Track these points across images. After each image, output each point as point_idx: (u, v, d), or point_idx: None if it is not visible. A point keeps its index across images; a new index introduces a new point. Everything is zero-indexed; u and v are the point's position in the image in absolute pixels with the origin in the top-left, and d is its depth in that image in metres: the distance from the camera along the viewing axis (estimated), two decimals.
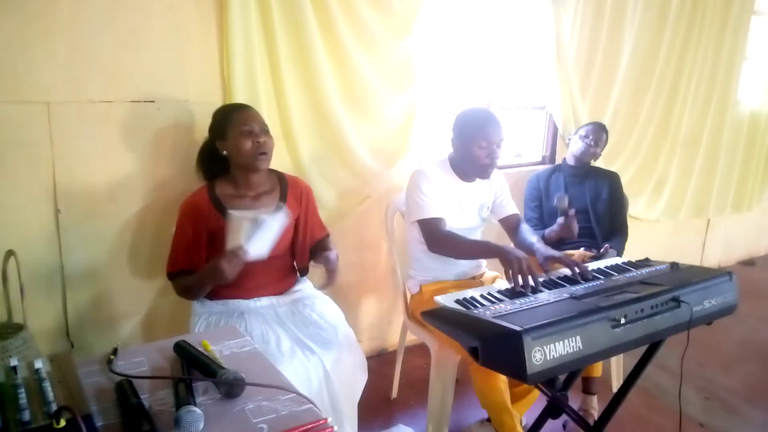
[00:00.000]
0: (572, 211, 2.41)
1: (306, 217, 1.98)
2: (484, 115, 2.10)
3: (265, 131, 1.82)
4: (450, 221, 2.07)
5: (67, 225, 1.92)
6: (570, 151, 2.75)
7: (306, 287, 2.02)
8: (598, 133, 2.67)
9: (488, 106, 2.98)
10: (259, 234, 1.62)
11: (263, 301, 1.88)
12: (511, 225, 2.26)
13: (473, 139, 2.03)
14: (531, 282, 1.68)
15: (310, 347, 1.74)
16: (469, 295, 1.64)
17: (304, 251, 2.01)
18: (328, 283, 1.93)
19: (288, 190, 1.94)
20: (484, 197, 2.20)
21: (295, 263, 2.03)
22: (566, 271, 1.82)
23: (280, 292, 1.94)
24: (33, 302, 1.79)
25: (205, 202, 1.82)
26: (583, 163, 2.71)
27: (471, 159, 2.06)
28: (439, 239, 2.02)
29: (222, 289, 1.86)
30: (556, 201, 2.43)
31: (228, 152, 1.82)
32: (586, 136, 2.66)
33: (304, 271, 2.05)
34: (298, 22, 2.14)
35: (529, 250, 2.06)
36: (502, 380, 1.83)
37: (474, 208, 2.18)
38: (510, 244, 2.42)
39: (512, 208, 2.27)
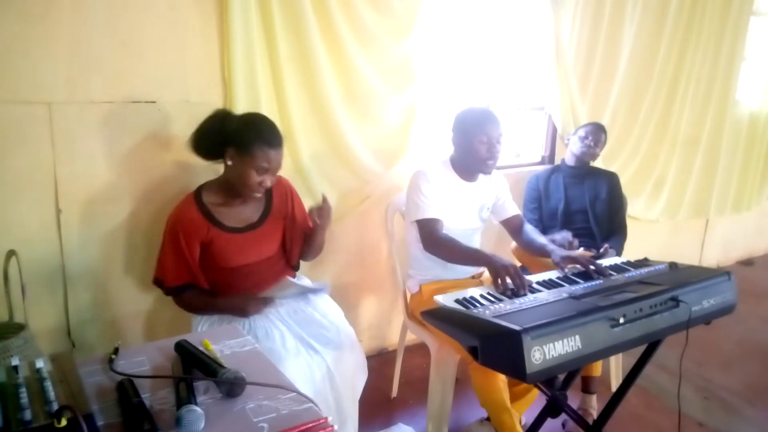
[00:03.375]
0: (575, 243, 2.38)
1: (293, 214, 1.97)
2: (483, 112, 2.13)
3: (277, 170, 1.79)
4: (450, 222, 2.08)
5: (68, 225, 1.93)
6: (569, 151, 2.75)
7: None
8: (597, 133, 2.68)
9: (488, 106, 2.99)
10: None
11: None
12: (513, 226, 2.27)
13: (473, 134, 2.05)
14: (522, 287, 1.69)
15: (312, 346, 1.76)
16: (469, 295, 1.65)
17: (294, 250, 2.01)
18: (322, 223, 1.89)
19: (273, 193, 1.93)
20: (484, 198, 2.21)
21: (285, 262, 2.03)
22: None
23: None
24: (34, 302, 1.79)
25: (195, 214, 1.78)
26: (582, 164, 2.71)
27: (472, 154, 2.08)
28: (434, 240, 2.02)
29: (223, 289, 1.87)
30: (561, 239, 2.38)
31: (231, 166, 1.77)
32: (585, 137, 2.67)
33: (295, 267, 2.07)
34: (299, 22, 2.14)
35: (541, 251, 2.08)
36: (502, 379, 1.84)
37: (474, 209, 2.18)
38: (511, 244, 2.45)
39: (513, 209, 2.28)
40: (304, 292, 1.92)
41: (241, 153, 1.74)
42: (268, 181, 1.77)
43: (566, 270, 1.87)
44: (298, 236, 2.00)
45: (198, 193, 1.83)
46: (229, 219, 1.83)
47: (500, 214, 2.28)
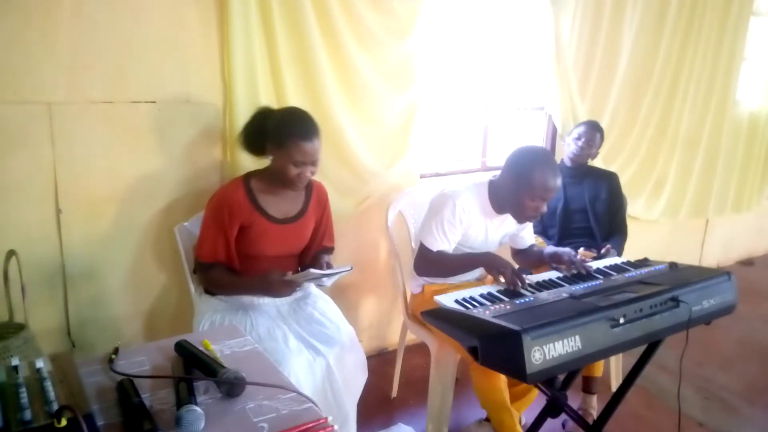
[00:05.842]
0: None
1: (321, 221, 2.02)
2: (554, 174, 1.87)
3: (316, 161, 1.82)
4: (467, 245, 2.06)
5: (68, 225, 1.93)
6: (565, 152, 2.75)
7: (308, 286, 2.03)
8: (591, 133, 2.66)
9: (488, 106, 2.99)
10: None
11: (266, 299, 1.88)
12: (523, 251, 2.28)
13: (530, 190, 1.86)
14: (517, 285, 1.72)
15: (314, 345, 1.76)
16: (469, 295, 1.65)
17: (310, 255, 2.02)
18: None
19: (312, 193, 1.98)
20: (508, 227, 2.15)
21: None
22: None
23: None
24: (34, 302, 1.79)
25: (242, 196, 1.84)
26: (579, 164, 2.70)
27: (516, 205, 1.93)
28: (425, 265, 2.02)
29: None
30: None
31: (273, 160, 1.84)
32: (578, 138, 2.66)
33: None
34: (299, 22, 2.14)
35: (537, 258, 2.12)
36: (502, 379, 1.84)
37: (496, 239, 2.14)
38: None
39: (531, 238, 2.26)
40: (330, 276, 1.83)
41: (278, 148, 1.80)
42: (308, 173, 1.81)
43: (555, 267, 1.90)
44: (315, 246, 2.02)
45: (247, 177, 1.89)
46: (271, 208, 1.87)
47: (519, 243, 2.25)
